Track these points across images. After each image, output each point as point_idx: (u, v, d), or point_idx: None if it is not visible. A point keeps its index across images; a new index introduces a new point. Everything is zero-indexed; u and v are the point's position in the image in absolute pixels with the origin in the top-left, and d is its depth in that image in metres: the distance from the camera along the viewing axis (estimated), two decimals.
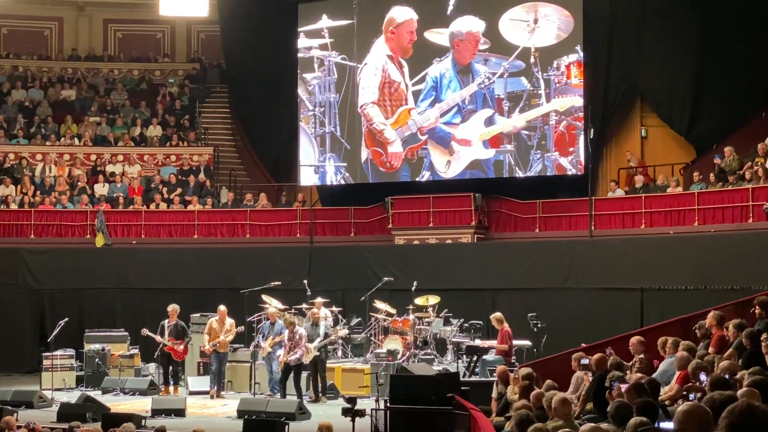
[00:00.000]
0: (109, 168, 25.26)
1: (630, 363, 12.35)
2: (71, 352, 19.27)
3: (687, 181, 20.55)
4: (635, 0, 21.31)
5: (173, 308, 18.29)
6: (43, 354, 19.17)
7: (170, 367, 18.21)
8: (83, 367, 19.20)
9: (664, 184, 20.53)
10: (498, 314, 16.97)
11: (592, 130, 19.97)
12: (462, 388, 12.98)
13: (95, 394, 17.27)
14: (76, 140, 25.98)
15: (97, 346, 19.25)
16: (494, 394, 13.11)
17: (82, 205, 23.62)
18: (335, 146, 23.52)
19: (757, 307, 11.92)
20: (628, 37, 21.56)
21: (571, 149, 21.05)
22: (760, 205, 17.78)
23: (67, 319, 19.04)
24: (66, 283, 22.16)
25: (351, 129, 23.37)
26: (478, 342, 17.62)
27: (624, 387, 9.06)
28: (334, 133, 23.51)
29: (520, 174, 21.55)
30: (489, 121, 21.79)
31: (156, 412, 15.45)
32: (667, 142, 21.84)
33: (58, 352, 18.97)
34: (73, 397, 16.84)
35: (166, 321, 18.21)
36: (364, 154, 23.13)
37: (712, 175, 19.68)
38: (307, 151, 23.87)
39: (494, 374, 14.96)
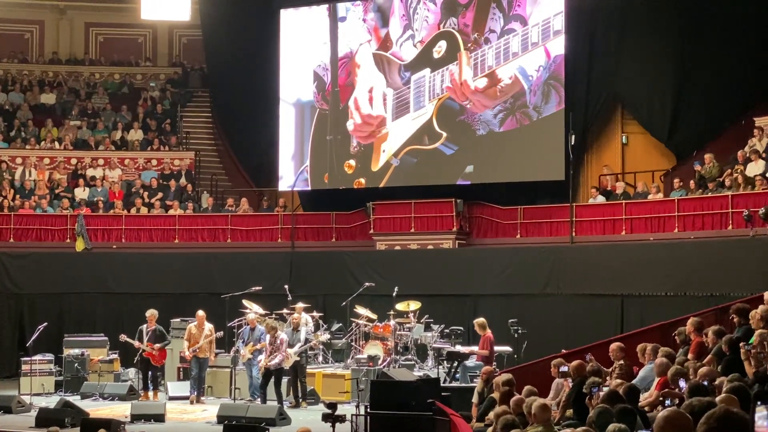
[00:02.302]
0: (90, 172, 25.16)
1: (610, 369, 12.39)
2: (50, 356, 19.15)
3: (667, 188, 20.64)
4: (616, 8, 21.39)
5: (152, 313, 18.25)
6: (22, 359, 19.04)
7: (149, 372, 18.15)
8: (62, 372, 19.09)
9: (644, 191, 20.61)
10: (481, 320, 16.97)
11: (572, 137, 20.03)
12: (442, 393, 12.97)
13: (74, 399, 17.16)
14: (57, 144, 25.87)
15: (77, 351, 19.14)
16: (474, 399, 13.12)
17: (62, 210, 23.52)
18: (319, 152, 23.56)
19: (734, 315, 11.99)
20: (608, 45, 21.64)
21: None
22: (740, 212, 17.89)
23: (46, 323, 18.94)
24: (45, 288, 22.03)
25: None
26: (458, 348, 17.63)
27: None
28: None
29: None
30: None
31: (135, 418, 15.38)
32: (647, 149, 21.93)
33: (37, 357, 18.85)
34: (51, 402, 16.72)
35: (145, 326, 18.15)
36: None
37: (692, 182, 19.78)
38: (287, 156, 23.95)
39: (475, 380, 15.00)
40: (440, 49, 22.21)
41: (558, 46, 20.97)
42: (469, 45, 21.84)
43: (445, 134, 22.02)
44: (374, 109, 22.88)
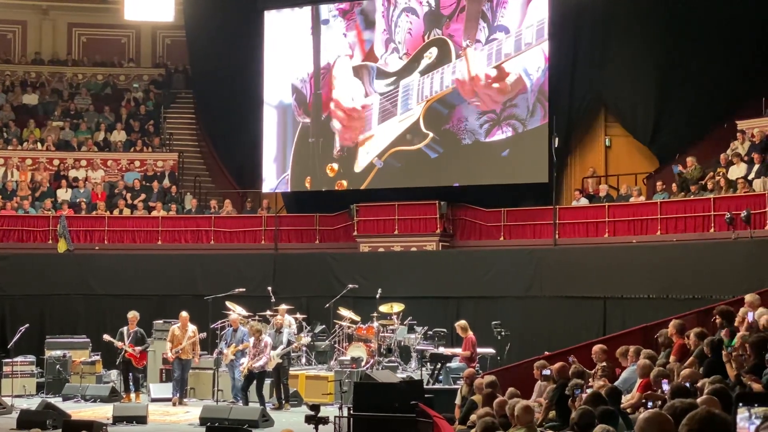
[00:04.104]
0: (72, 173, 25.05)
1: (592, 371, 12.43)
2: (32, 358, 19.09)
3: (650, 191, 20.71)
4: (600, 12, 21.44)
5: (133, 315, 18.21)
6: (3, 360, 18.94)
7: (130, 374, 18.10)
8: (44, 374, 19.02)
9: (627, 194, 20.68)
10: (462, 322, 17.01)
11: (556, 140, 20.07)
12: (426, 395, 12.98)
13: (56, 401, 17.08)
14: (39, 145, 25.75)
15: (58, 353, 19.07)
16: (458, 401, 13.14)
17: (44, 211, 23.41)
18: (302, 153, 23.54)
19: (717, 316, 12.05)
20: (592, 48, 21.71)
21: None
22: (722, 215, 17.95)
23: (27, 325, 18.85)
24: (27, 289, 21.92)
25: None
26: (442, 349, 17.65)
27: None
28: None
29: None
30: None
31: (117, 420, 15.34)
32: (630, 151, 22.00)
33: (19, 359, 18.77)
34: (33, 404, 16.66)
35: (125, 328, 18.10)
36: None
37: (674, 184, 19.85)
38: (270, 158, 23.94)
39: (458, 382, 15.02)
40: (431, 54, 22.18)
41: (545, 50, 20.99)
42: (460, 52, 21.81)
43: (431, 134, 22.00)
44: (356, 102, 22.85)
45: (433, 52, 22.18)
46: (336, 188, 23.05)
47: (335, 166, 23.10)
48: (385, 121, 22.59)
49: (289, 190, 23.91)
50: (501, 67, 21.37)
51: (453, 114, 21.93)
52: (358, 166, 22.84)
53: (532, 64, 21.12)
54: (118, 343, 17.94)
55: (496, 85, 21.44)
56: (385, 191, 22.31)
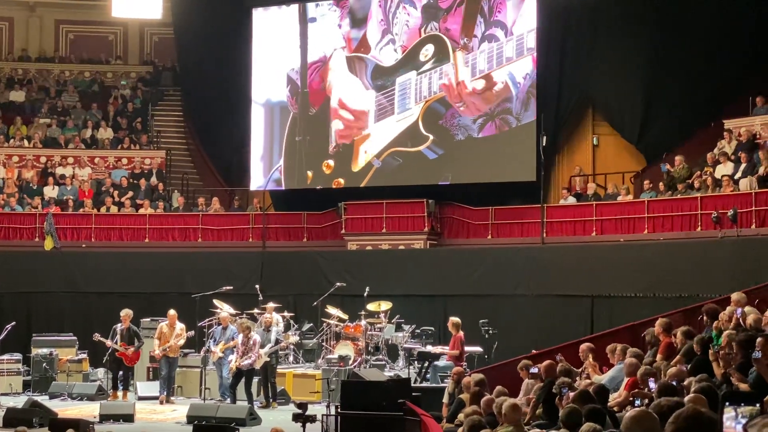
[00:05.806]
0: (59, 170, 24.97)
1: (579, 369, 12.45)
2: (18, 356, 19.02)
3: (637, 190, 20.76)
4: (588, 11, 21.48)
5: (126, 313, 18.16)
6: None
7: (120, 372, 18.05)
8: (30, 372, 18.96)
9: (614, 192, 20.73)
10: (456, 319, 16.87)
11: (544, 138, 20.09)
12: (413, 394, 12.98)
13: (42, 399, 17.04)
14: (26, 142, 25.65)
15: (45, 351, 19.02)
16: (445, 400, 13.15)
17: (31, 208, 23.33)
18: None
19: (704, 315, 12.09)
20: (580, 47, 21.75)
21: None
22: (709, 214, 18.02)
23: (14, 323, 18.78)
24: (14, 287, 21.83)
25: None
26: (429, 348, 17.65)
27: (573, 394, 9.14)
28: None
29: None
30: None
31: (104, 418, 15.30)
32: (618, 150, 22.05)
33: (5, 357, 18.71)
34: (19, 402, 16.58)
35: (119, 325, 18.06)
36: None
37: (661, 183, 19.90)
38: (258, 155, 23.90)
39: (446, 380, 15.02)
40: (427, 52, 22.12)
41: (534, 54, 20.97)
42: (458, 49, 21.79)
43: (431, 137, 21.95)
44: (358, 98, 22.78)
45: (429, 49, 22.13)
46: (333, 186, 22.91)
47: (331, 162, 23.00)
48: (382, 120, 22.51)
49: (282, 188, 23.80)
50: (489, 76, 21.34)
51: (448, 110, 21.88)
52: (356, 165, 22.73)
53: (520, 70, 21.06)
54: (108, 342, 17.88)
55: (479, 87, 21.42)
56: (372, 189, 22.30)
